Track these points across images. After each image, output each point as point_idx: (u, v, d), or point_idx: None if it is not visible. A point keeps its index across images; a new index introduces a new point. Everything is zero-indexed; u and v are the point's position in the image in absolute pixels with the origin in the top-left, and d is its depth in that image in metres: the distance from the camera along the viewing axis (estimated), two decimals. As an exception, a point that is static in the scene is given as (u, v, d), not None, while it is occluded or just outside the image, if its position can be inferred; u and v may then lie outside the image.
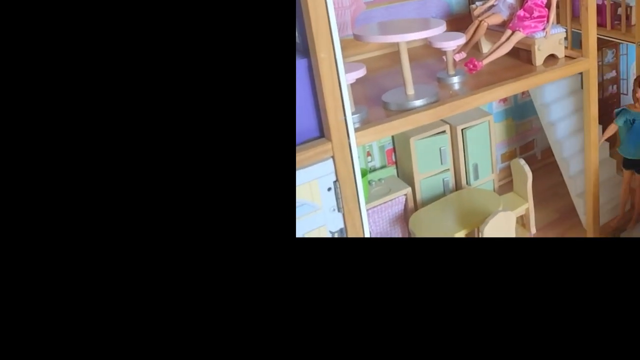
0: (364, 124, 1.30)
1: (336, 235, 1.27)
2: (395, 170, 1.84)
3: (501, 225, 1.64)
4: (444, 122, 1.81)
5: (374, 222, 1.69)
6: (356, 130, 1.21)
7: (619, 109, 1.84)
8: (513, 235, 1.70)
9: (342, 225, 1.27)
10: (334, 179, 1.21)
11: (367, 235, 1.31)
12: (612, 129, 1.84)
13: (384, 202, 1.70)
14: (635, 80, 1.84)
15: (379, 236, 1.73)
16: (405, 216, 1.74)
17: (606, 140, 1.88)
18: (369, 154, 1.78)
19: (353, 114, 1.26)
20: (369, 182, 1.75)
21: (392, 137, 1.81)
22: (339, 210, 1.25)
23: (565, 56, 1.64)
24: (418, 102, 1.35)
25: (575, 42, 1.67)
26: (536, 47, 1.57)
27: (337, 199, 1.23)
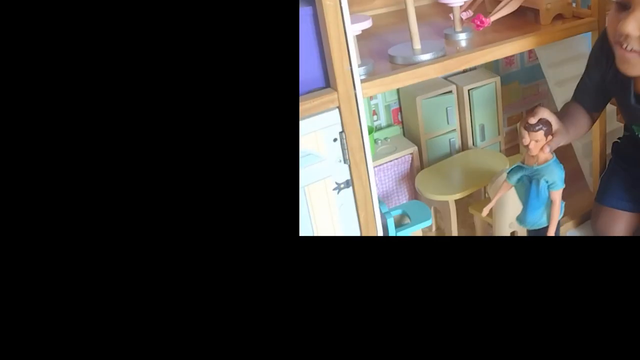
0: (370, 76, 1.29)
1: (342, 187, 1.28)
2: (401, 130, 1.85)
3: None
4: (451, 82, 1.81)
5: (379, 180, 1.70)
6: (362, 81, 1.21)
7: (512, 166, 1.40)
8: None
9: (348, 177, 1.28)
10: (340, 129, 1.22)
11: (373, 188, 1.32)
12: (504, 187, 1.43)
13: (390, 161, 1.70)
14: (521, 120, 1.36)
15: (384, 193, 1.74)
16: (411, 175, 1.74)
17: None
18: (374, 112, 1.78)
19: (359, 66, 1.27)
20: (375, 141, 1.76)
21: (398, 96, 1.81)
22: (345, 162, 1.26)
23: (574, 16, 1.63)
24: (425, 56, 1.35)
25: (584, 3, 1.67)
26: (544, 5, 1.56)
27: (343, 150, 1.24)
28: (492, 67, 2.01)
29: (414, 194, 1.75)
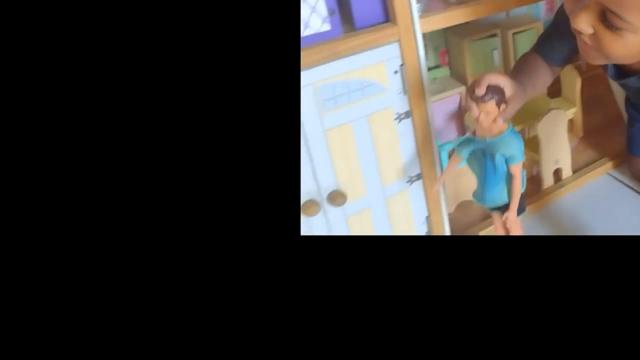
0: (425, 13, 1.38)
1: (403, 118, 1.38)
2: (448, 71, 1.93)
3: (554, 124, 1.72)
4: (495, 26, 1.89)
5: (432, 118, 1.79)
6: (420, 17, 1.31)
7: (461, 138, 1.25)
8: (565, 135, 1.77)
9: (407, 108, 1.38)
10: (400, 62, 1.31)
11: (431, 119, 1.42)
12: (453, 160, 1.30)
13: (440, 99, 1.79)
14: (467, 88, 1.22)
15: (436, 130, 1.83)
16: (460, 114, 1.83)
17: None
18: (424, 54, 1.86)
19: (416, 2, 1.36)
20: (426, 81, 1.85)
21: (446, 38, 1.89)
22: (405, 94, 1.36)
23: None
24: (476, -5, 1.44)
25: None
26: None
27: (403, 82, 1.34)
28: (534, 14, 2.08)
29: (463, 132, 1.84)
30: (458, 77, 1.89)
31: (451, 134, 1.85)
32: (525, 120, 1.78)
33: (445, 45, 1.90)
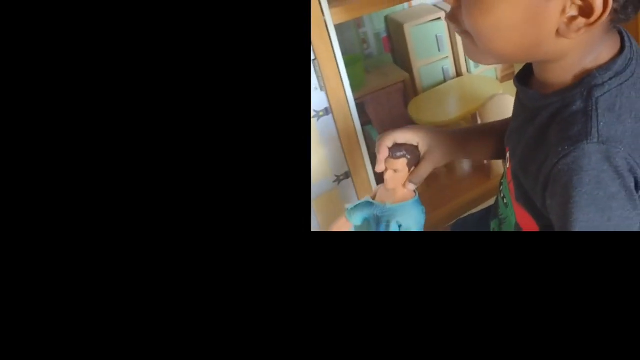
0: (340, 1, 1.30)
1: (321, 115, 1.30)
2: (392, 58, 1.85)
3: (499, 110, 1.64)
4: (440, 9, 1.80)
5: (373, 109, 1.72)
6: (331, 7, 1.23)
7: (358, 201, 0.99)
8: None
9: (326, 105, 1.30)
10: (313, 57, 1.24)
11: (354, 113, 1.34)
12: (343, 225, 1.00)
13: (383, 89, 1.72)
14: (378, 140, 0.95)
15: (379, 122, 1.75)
16: (404, 103, 1.76)
17: None
18: (364, 41, 1.79)
19: (329, -9, 1.28)
20: (366, 70, 1.77)
21: (387, 24, 1.81)
22: (321, 90, 1.28)
23: None
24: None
25: None
26: None
27: (317, 77, 1.26)
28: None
29: (409, 122, 1.77)
30: (402, 64, 1.81)
31: (397, 126, 1.78)
32: (469, 105, 1.70)
33: (387, 31, 1.81)
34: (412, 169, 0.93)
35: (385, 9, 1.35)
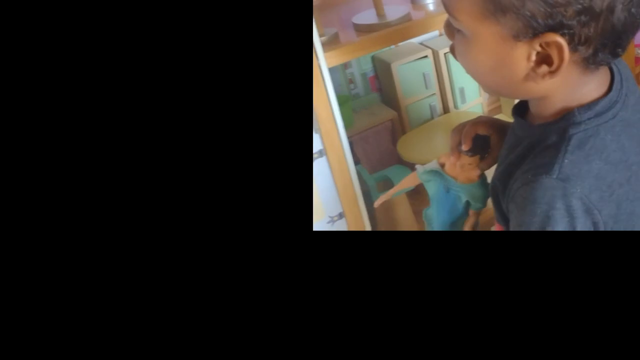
0: (335, 44, 1.31)
1: (316, 157, 1.30)
2: (380, 98, 1.86)
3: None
4: (426, 47, 1.82)
5: (362, 148, 1.72)
6: (325, 50, 1.23)
7: (427, 168, 1.05)
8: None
9: (320, 147, 1.30)
10: (307, 100, 1.24)
11: (348, 154, 1.34)
12: (410, 179, 1.11)
13: (370, 128, 1.72)
14: (452, 131, 1.02)
15: (368, 161, 1.76)
16: (393, 141, 1.76)
17: None
18: (351, 81, 1.79)
19: (321, 35, 1.28)
20: (354, 110, 1.77)
21: (374, 64, 1.82)
22: (315, 132, 1.28)
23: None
24: (389, 22, 1.37)
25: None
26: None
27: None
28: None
29: (398, 160, 1.77)
30: (390, 103, 1.82)
31: (386, 164, 1.78)
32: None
33: (374, 70, 1.83)
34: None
35: (375, 51, 1.35)
